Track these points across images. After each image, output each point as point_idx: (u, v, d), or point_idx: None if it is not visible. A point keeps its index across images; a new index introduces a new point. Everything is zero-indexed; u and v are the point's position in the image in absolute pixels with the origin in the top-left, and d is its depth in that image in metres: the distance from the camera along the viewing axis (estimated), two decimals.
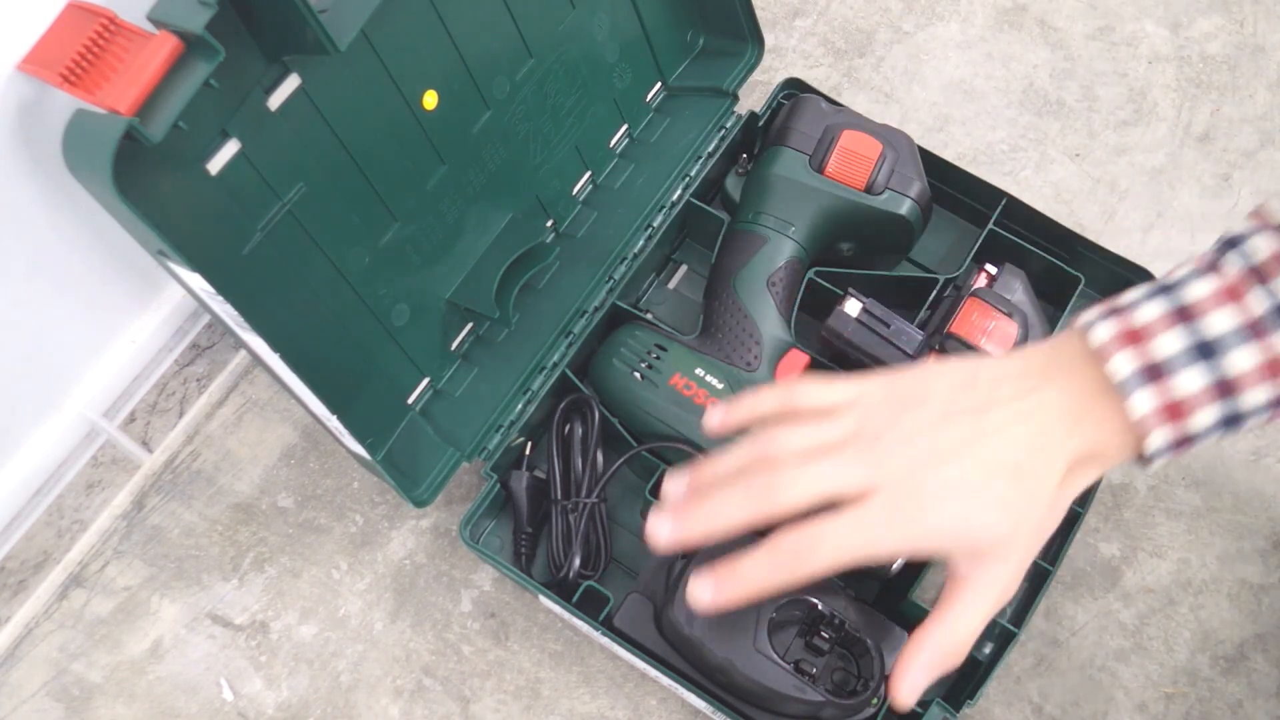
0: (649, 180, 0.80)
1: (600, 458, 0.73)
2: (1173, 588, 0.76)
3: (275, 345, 0.58)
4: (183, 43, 0.50)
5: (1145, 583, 0.76)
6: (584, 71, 0.76)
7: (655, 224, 0.79)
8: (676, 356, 0.73)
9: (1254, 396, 0.49)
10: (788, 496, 0.51)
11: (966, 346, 0.71)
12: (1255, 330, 0.49)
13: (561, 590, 0.70)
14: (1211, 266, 0.51)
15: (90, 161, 0.50)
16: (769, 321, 0.74)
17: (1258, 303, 0.49)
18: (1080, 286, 0.78)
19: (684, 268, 0.84)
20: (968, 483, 0.51)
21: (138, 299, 0.75)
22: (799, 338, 0.75)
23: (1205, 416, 0.50)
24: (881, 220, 0.75)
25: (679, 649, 0.66)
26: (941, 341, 0.72)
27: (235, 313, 0.56)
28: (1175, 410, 0.49)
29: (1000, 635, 0.69)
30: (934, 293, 0.77)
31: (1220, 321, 0.49)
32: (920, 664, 0.54)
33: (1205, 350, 0.49)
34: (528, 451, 0.75)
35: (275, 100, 0.58)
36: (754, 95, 0.90)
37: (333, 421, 0.64)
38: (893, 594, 0.71)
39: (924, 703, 0.67)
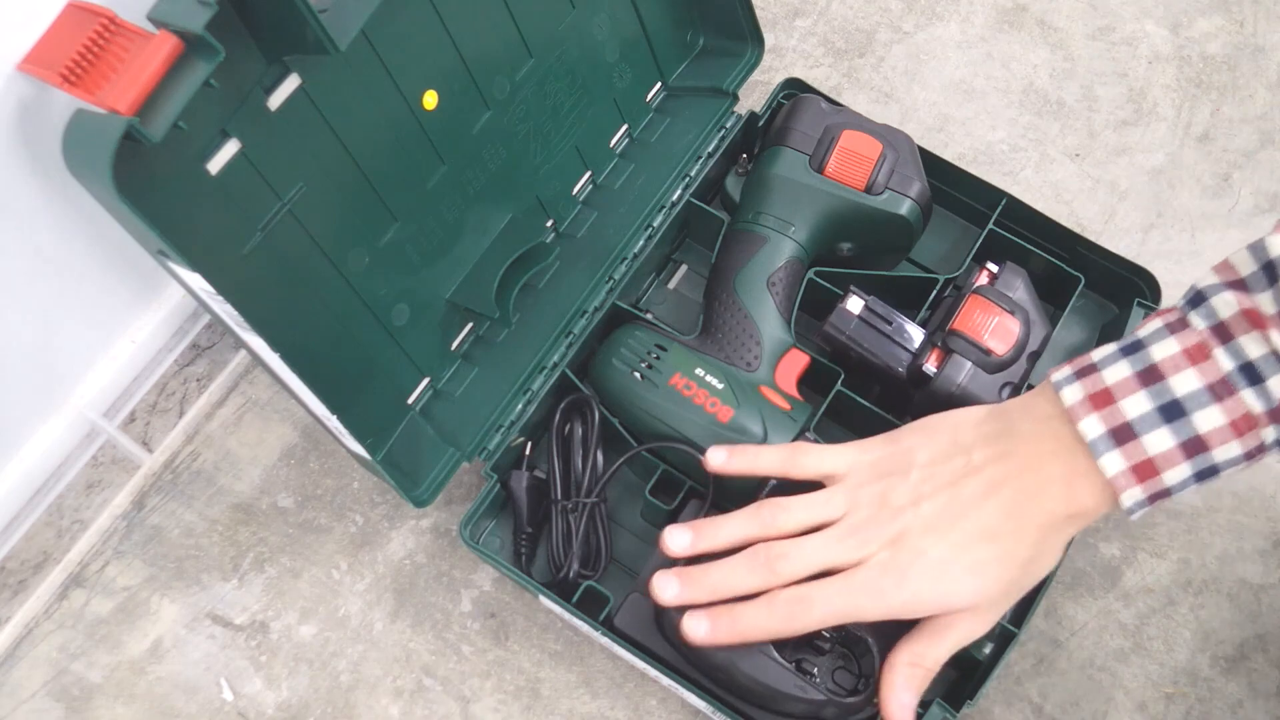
0: (649, 180, 0.80)
1: (600, 458, 0.73)
2: (1173, 588, 0.76)
3: (275, 345, 0.58)
4: (183, 42, 0.50)
5: (1145, 583, 0.76)
6: (584, 71, 0.76)
7: (655, 224, 0.79)
8: (676, 356, 0.73)
9: (1225, 452, 0.51)
10: (787, 571, 0.59)
11: (969, 343, 0.71)
12: (1220, 390, 0.50)
13: (561, 590, 0.70)
14: (1179, 323, 0.52)
15: (90, 161, 0.50)
16: (769, 321, 0.74)
17: (1223, 362, 0.50)
18: (1080, 286, 0.78)
19: (684, 268, 0.84)
20: (942, 561, 0.57)
21: (138, 299, 0.75)
22: (799, 337, 0.75)
23: (1177, 473, 0.52)
24: (881, 220, 0.75)
25: (679, 649, 0.66)
26: (944, 338, 0.72)
27: (235, 313, 0.56)
28: (1146, 469, 0.52)
29: (1000, 635, 0.69)
30: (934, 293, 0.77)
31: (1186, 382, 0.51)
32: (897, 687, 0.60)
33: (1173, 411, 0.51)
34: (528, 451, 0.75)
35: (275, 100, 0.58)
36: (754, 95, 0.90)
37: (333, 421, 0.64)
38: None
39: (924, 703, 0.67)
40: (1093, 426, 0.52)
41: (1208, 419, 0.50)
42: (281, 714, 0.72)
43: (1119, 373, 0.52)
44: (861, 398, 0.73)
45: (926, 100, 0.91)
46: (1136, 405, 0.51)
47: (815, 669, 0.64)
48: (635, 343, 0.74)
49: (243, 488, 0.78)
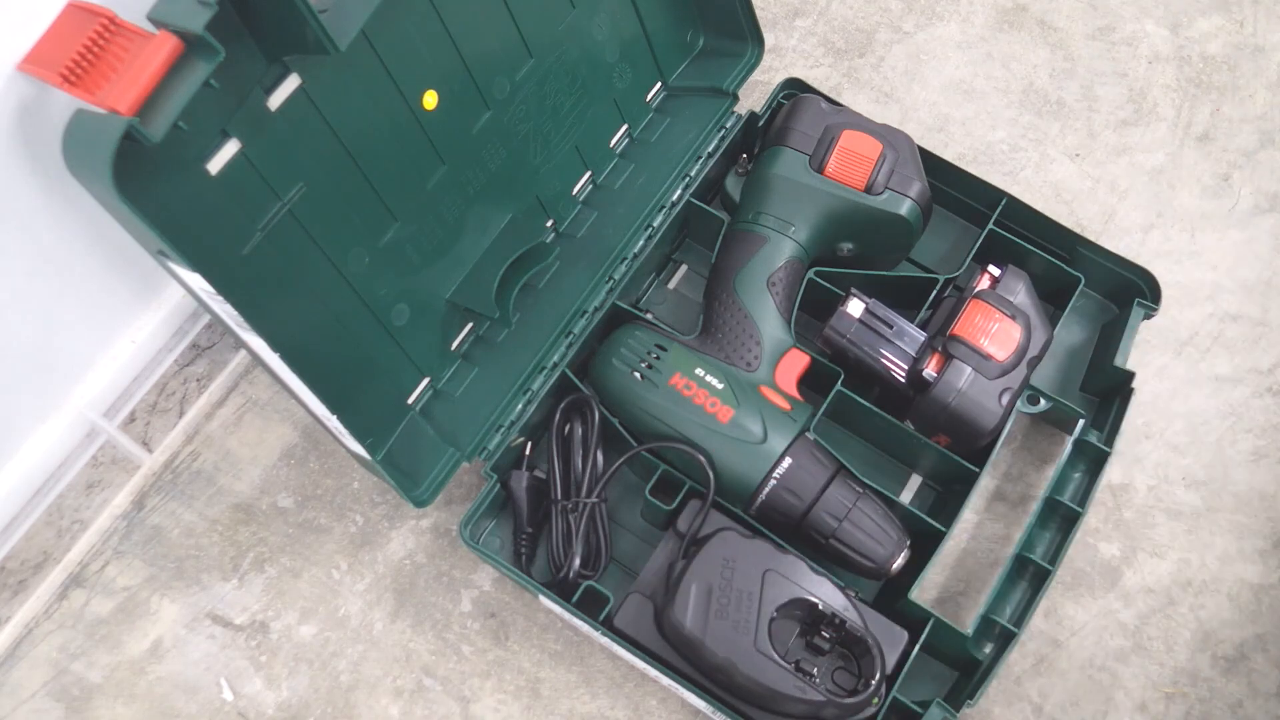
0: (649, 180, 0.80)
1: (600, 458, 0.73)
2: (1173, 588, 0.76)
3: (275, 345, 0.58)
4: (183, 43, 0.50)
5: (1145, 583, 0.76)
6: (584, 71, 0.76)
7: (655, 224, 0.79)
8: (676, 356, 0.73)
9: None
10: None
11: (969, 348, 0.71)
12: None
13: (561, 590, 0.70)
14: None
15: (90, 161, 0.50)
16: (769, 321, 0.74)
17: None
18: (1080, 286, 0.78)
19: (684, 268, 0.84)
20: None
21: (138, 299, 0.75)
22: (799, 338, 0.75)
23: None
24: (881, 220, 0.75)
25: (679, 649, 0.66)
26: (944, 343, 0.72)
27: (235, 313, 0.56)
28: None
29: (1000, 635, 0.69)
30: (934, 292, 0.77)
31: None
32: None
33: None
34: (528, 451, 0.75)
35: (275, 100, 0.58)
36: (754, 95, 0.89)
37: (333, 421, 0.64)
38: (893, 594, 0.72)
39: (924, 703, 0.67)
40: None
41: None
42: (281, 714, 0.72)
43: None
44: (862, 398, 0.73)
45: (926, 100, 0.91)
46: None
47: (815, 669, 0.64)
48: (635, 343, 0.74)
49: (243, 488, 0.78)
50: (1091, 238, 0.78)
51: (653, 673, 0.67)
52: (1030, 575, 0.71)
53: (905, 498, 0.77)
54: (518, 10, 0.68)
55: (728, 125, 0.82)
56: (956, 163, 0.80)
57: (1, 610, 0.74)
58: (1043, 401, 0.74)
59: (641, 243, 0.79)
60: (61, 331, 0.70)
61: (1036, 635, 0.74)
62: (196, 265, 0.53)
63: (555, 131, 0.76)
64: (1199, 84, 0.92)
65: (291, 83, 0.58)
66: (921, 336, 0.73)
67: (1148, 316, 0.78)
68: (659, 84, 0.83)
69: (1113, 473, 0.79)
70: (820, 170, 0.75)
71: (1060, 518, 0.73)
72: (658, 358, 0.73)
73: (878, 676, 0.64)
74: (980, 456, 0.72)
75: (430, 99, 0.66)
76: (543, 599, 0.69)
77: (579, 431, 0.73)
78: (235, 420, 0.80)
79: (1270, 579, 0.76)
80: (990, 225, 0.78)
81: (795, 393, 0.73)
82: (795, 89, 0.82)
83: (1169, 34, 0.93)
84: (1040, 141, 0.90)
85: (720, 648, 0.63)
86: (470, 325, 0.76)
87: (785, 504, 0.70)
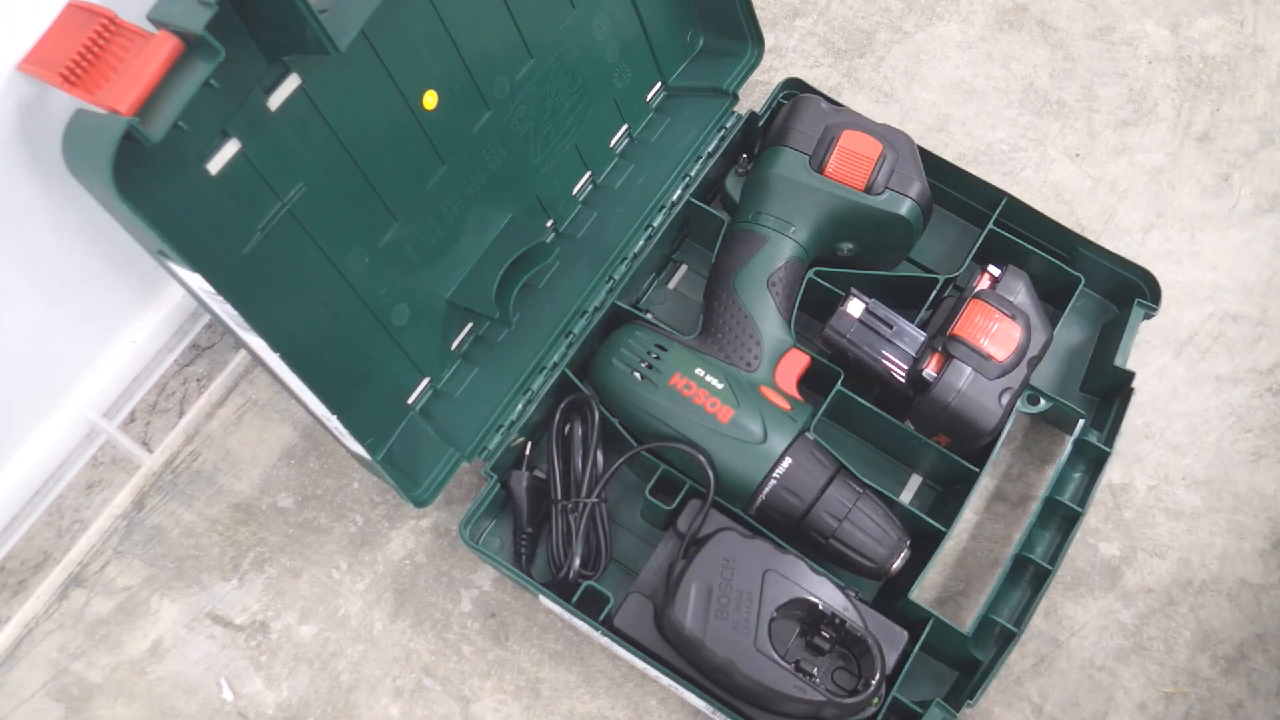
0: (649, 180, 0.80)
1: (600, 458, 0.73)
2: (1173, 588, 0.76)
3: (275, 345, 0.58)
4: (183, 43, 0.50)
5: (1145, 583, 0.76)
6: (584, 71, 0.76)
7: (655, 224, 0.79)
8: (676, 356, 0.73)
9: None
10: None
11: (969, 348, 0.71)
12: None
13: (561, 590, 0.70)
14: None
15: (90, 161, 0.50)
16: (769, 321, 0.74)
17: None
18: (1080, 286, 0.78)
19: (684, 268, 0.84)
20: None
21: (138, 299, 0.75)
22: (799, 338, 0.75)
23: None
24: (881, 220, 0.75)
25: (679, 649, 0.66)
26: (944, 343, 0.72)
27: (235, 313, 0.56)
28: None
29: (1000, 635, 0.69)
30: (934, 292, 0.77)
31: None
32: None
33: None
34: (528, 451, 0.75)
35: (275, 100, 0.58)
36: (754, 95, 0.89)
37: (333, 421, 0.64)
38: (893, 594, 0.72)
39: (924, 703, 0.67)
40: None
41: None
42: (281, 714, 0.72)
43: None
44: (862, 398, 0.73)
45: (926, 100, 0.91)
46: None
47: (815, 669, 0.64)
48: (635, 343, 0.74)
49: (243, 488, 0.78)
50: (1091, 238, 0.78)
51: (653, 673, 0.67)
52: (1030, 575, 0.71)
53: (905, 498, 0.77)
54: (518, 10, 0.68)
55: (728, 125, 0.82)
56: (956, 163, 0.80)
57: (1, 610, 0.74)
58: (1043, 401, 0.74)
59: (641, 243, 0.79)
60: (61, 331, 0.70)
61: (1036, 635, 0.74)
62: (196, 265, 0.53)
63: (555, 131, 0.76)
64: (1199, 84, 0.92)
65: (291, 83, 0.58)
66: (921, 336, 0.73)
67: (1148, 316, 0.78)
68: (659, 84, 0.83)
69: (1113, 473, 0.79)
70: (820, 170, 0.75)
71: (1060, 518, 0.73)
72: (658, 358, 0.73)
73: (878, 676, 0.64)
74: (980, 456, 0.72)
75: (430, 99, 0.65)
76: (543, 599, 0.69)
77: (579, 431, 0.73)
78: (235, 420, 0.80)
79: (1270, 579, 0.76)
80: (990, 225, 0.78)
81: (795, 393, 0.73)
82: (795, 89, 0.82)
83: (1169, 34, 0.93)
84: (1040, 141, 0.90)
85: (720, 648, 0.63)
86: (470, 325, 0.76)
87: (785, 504, 0.70)
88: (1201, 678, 0.73)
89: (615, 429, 0.73)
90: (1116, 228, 0.87)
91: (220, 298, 0.55)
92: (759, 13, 0.81)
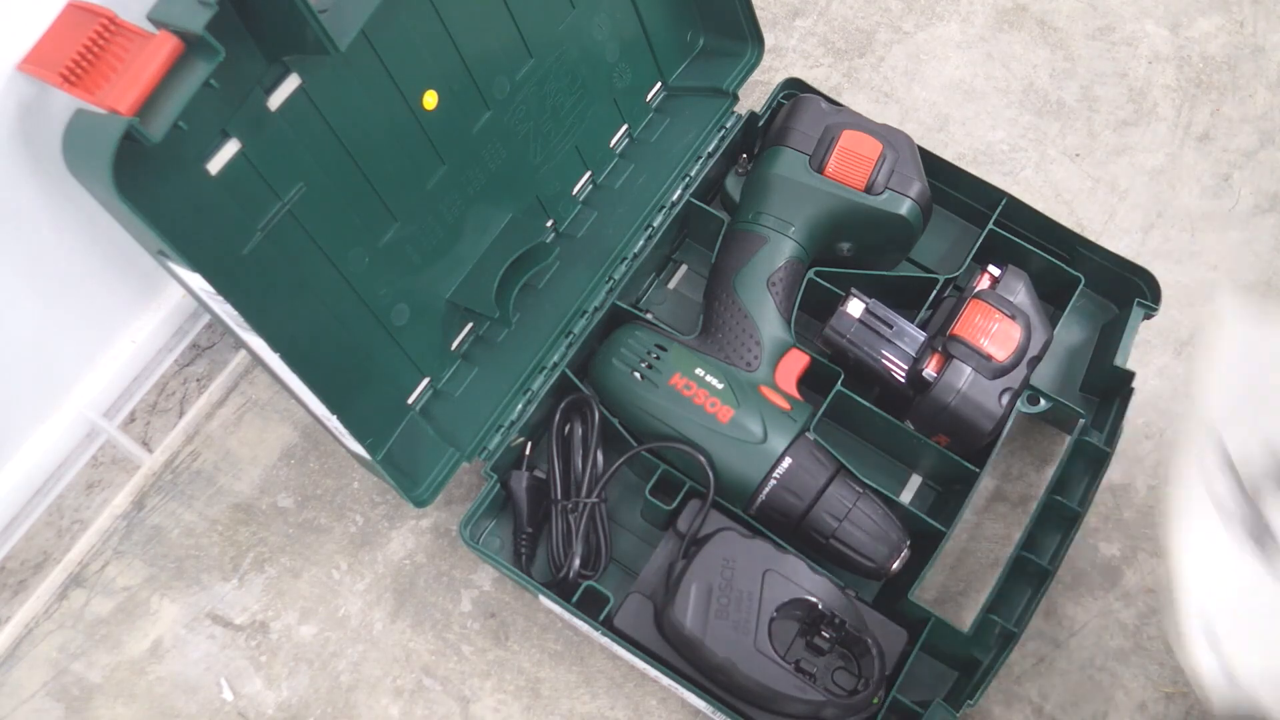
0: (649, 180, 0.80)
1: (600, 458, 0.73)
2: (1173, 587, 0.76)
3: (275, 345, 0.58)
4: (183, 43, 0.50)
5: (1145, 583, 0.76)
6: (584, 71, 0.76)
7: (655, 224, 0.79)
8: (676, 356, 0.73)
9: None
10: None
11: (969, 348, 0.71)
12: None
13: (561, 590, 0.70)
14: None
15: (90, 161, 0.50)
16: (769, 321, 0.74)
17: None
18: (1080, 286, 0.78)
19: (684, 268, 0.84)
20: None
21: (138, 299, 0.75)
22: (799, 338, 0.75)
23: None
24: (881, 220, 0.75)
25: (679, 649, 0.66)
26: (944, 343, 0.72)
27: (235, 313, 0.56)
28: None
29: (1000, 635, 0.69)
30: (934, 292, 0.77)
31: None
32: None
33: None
34: (528, 451, 0.75)
35: (275, 100, 0.58)
36: (754, 95, 0.89)
37: (333, 421, 0.64)
38: (893, 594, 0.72)
39: (924, 703, 0.67)
40: None
41: None
42: (281, 714, 0.72)
43: None
44: (862, 398, 0.73)
45: (926, 100, 0.91)
46: None
47: (815, 669, 0.64)
48: (635, 343, 0.74)
49: (243, 488, 0.78)
50: (1091, 238, 0.78)
51: (653, 673, 0.67)
52: (1030, 575, 0.71)
53: (905, 498, 0.77)
54: (518, 10, 0.68)
55: (728, 125, 0.82)
56: (956, 163, 0.80)
57: (1, 610, 0.74)
58: (1043, 401, 0.74)
59: (641, 243, 0.79)
60: (61, 331, 0.70)
61: (1036, 635, 0.74)
62: (196, 265, 0.53)
63: (555, 131, 0.76)
64: (1199, 84, 0.92)
65: (291, 83, 0.58)
66: (921, 336, 0.73)
67: (1148, 316, 0.78)
68: (659, 84, 0.83)
69: (1113, 473, 0.79)
70: (820, 170, 0.75)
71: (1060, 518, 0.73)
72: (658, 358, 0.73)
73: (877, 676, 0.64)
74: (980, 456, 0.72)
75: (430, 99, 0.66)
76: (543, 599, 0.69)
77: (579, 431, 0.73)
78: (235, 420, 0.80)
79: None
80: (990, 225, 0.78)
81: (795, 393, 0.73)
82: (795, 89, 0.82)
83: (1169, 34, 0.93)
84: (1040, 141, 0.90)
85: (720, 648, 0.63)
86: (470, 325, 0.76)
87: (785, 504, 0.70)
88: None
89: (615, 429, 0.73)
90: (1116, 228, 0.87)
91: (220, 298, 0.55)
92: (759, 13, 0.81)
